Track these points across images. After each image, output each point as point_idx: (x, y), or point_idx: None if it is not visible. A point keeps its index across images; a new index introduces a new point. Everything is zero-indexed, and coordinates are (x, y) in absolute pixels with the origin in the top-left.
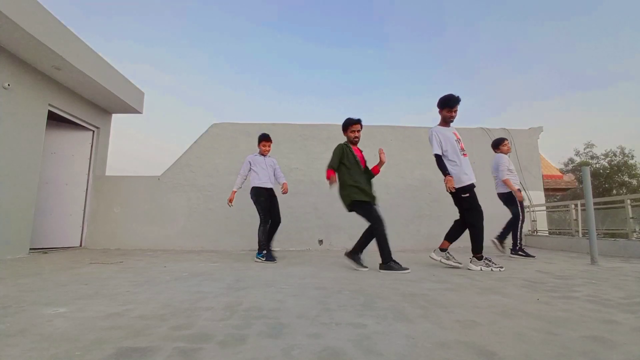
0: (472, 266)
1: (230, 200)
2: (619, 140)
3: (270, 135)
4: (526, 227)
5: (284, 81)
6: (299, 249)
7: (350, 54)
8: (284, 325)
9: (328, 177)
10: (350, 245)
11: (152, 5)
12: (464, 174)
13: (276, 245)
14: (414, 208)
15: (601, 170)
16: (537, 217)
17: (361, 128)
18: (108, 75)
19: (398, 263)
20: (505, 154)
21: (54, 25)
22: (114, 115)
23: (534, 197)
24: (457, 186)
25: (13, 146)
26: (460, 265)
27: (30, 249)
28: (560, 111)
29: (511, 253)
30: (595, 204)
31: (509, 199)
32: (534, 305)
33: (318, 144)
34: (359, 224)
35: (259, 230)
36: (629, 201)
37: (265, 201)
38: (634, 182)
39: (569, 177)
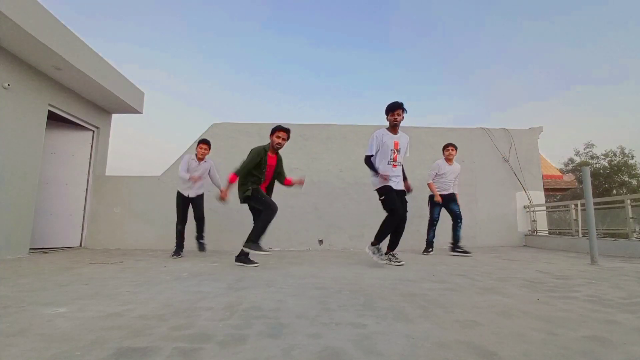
0: (366, 248)
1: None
2: (619, 141)
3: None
4: (526, 227)
5: (284, 81)
6: (299, 249)
7: (349, 54)
8: (284, 325)
9: (231, 181)
10: (350, 245)
11: (152, 6)
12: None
13: (276, 245)
14: (414, 208)
15: (601, 170)
16: (537, 217)
17: (288, 138)
18: (108, 75)
19: (251, 255)
20: (447, 158)
21: (54, 25)
22: (114, 115)
23: (534, 197)
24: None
25: (13, 146)
26: (401, 263)
27: (30, 249)
28: (560, 111)
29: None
30: (595, 204)
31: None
32: (534, 305)
33: (318, 144)
34: (359, 224)
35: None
36: (629, 201)
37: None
38: (634, 182)
39: (569, 177)
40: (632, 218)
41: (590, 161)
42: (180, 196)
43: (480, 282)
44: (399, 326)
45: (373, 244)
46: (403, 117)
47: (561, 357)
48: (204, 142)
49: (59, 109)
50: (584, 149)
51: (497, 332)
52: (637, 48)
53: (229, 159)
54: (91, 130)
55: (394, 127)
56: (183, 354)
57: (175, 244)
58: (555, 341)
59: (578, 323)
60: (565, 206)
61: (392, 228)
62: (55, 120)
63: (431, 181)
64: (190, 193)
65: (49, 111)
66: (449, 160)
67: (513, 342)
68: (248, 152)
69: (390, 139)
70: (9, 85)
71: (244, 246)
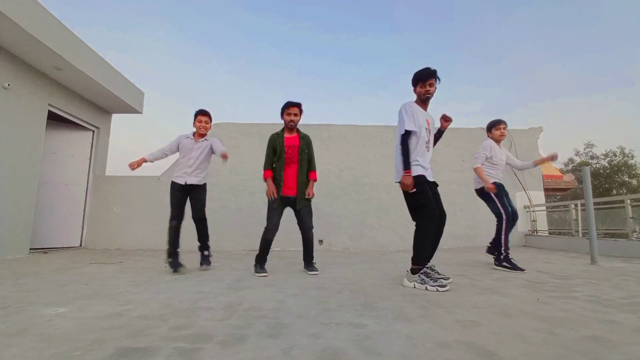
0: (405, 281)
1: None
2: (619, 141)
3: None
4: (526, 227)
5: (284, 81)
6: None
7: (357, 44)
8: (284, 325)
9: (266, 177)
10: (350, 245)
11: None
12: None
13: (276, 245)
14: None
15: (601, 170)
16: (537, 217)
17: (300, 112)
18: (108, 75)
19: (263, 268)
20: (497, 140)
21: (54, 25)
22: (114, 115)
23: (534, 197)
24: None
25: (13, 146)
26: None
27: (30, 249)
28: (560, 111)
29: (495, 263)
30: (595, 204)
31: (482, 194)
32: (534, 305)
33: (318, 144)
34: (359, 224)
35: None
36: (629, 201)
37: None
38: (634, 182)
39: (569, 177)
40: (632, 218)
41: (590, 161)
42: (174, 186)
43: (480, 282)
44: (399, 326)
45: (414, 270)
46: (436, 89)
47: (561, 357)
48: (204, 114)
49: (59, 109)
50: (584, 149)
51: (497, 332)
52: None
53: (229, 159)
54: (91, 130)
55: (424, 102)
56: (183, 354)
57: (167, 248)
58: (555, 341)
59: (578, 323)
60: (565, 206)
61: (432, 235)
62: (55, 120)
63: (479, 165)
64: (188, 180)
65: (49, 111)
66: (499, 142)
67: (513, 342)
68: (248, 152)
69: (422, 115)
70: (9, 85)
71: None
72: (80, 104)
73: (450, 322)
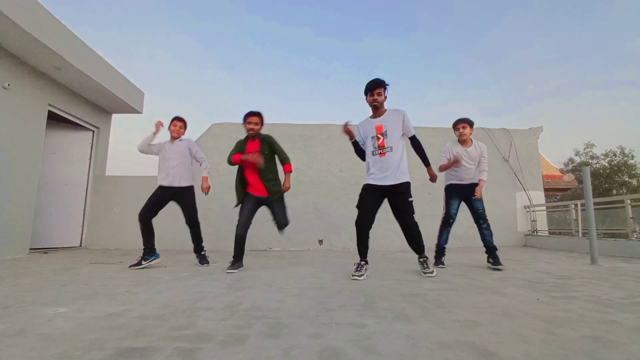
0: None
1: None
2: (619, 141)
3: (270, 136)
4: (526, 227)
5: (284, 81)
6: (299, 249)
7: (358, 47)
8: (284, 325)
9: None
10: (350, 245)
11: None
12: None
13: (276, 245)
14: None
15: (601, 170)
16: (537, 217)
17: (260, 121)
18: (108, 75)
19: (234, 264)
20: (459, 138)
21: (54, 25)
22: (114, 115)
23: (534, 197)
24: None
25: (13, 146)
26: (426, 273)
27: (30, 249)
28: (560, 111)
29: (489, 261)
30: (595, 204)
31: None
32: (534, 305)
33: (318, 144)
34: None
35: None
36: (629, 201)
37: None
38: (634, 182)
39: (569, 177)
40: (632, 218)
41: (590, 161)
42: (158, 187)
43: (480, 282)
44: (399, 326)
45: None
46: (385, 97)
47: (561, 357)
48: (178, 119)
49: (59, 109)
50: (584, 149)
51: (497, 332)
52: None
53: (226, 161)
54: (91, 130)
55: (376, 109)
56: (183, 354)
57: (143, 249)
58: (555, 341)
59: (578, 323)
60: (565, 206)
61: (357, 231)
62: (55, 120)
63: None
64: (171, 181)
65: (49, 111)
66: (463, 142)
67: (513, 342)
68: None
69: (370, 125)
70: (9, 85)
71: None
72: (80, 104)
73: (450, 322)
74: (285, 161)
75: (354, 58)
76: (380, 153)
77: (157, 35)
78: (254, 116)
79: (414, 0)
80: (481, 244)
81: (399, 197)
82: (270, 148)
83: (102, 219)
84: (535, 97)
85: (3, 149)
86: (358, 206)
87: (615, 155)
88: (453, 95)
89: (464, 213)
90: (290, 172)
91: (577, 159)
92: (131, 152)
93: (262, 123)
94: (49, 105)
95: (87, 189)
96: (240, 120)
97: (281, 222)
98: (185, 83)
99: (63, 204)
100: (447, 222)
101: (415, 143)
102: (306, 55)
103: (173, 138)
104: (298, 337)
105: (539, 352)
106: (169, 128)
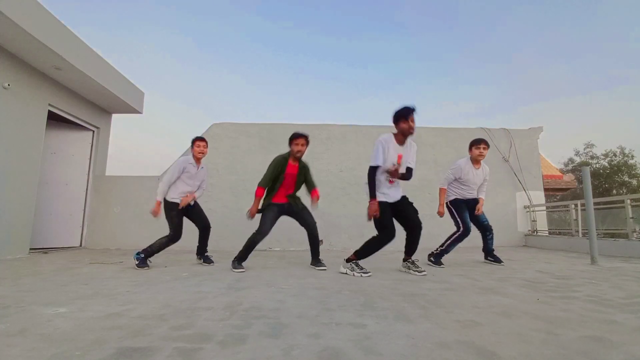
0: (341, 267)
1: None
2: (619, 141)
3: (271, 136)
4: (526, 227)
5: (284, 80)
6: (299, 249)
7: (357, 46)
8: (284, 325)
9: (258, 196)
10: (350, 245)
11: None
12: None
13: (276, 245)
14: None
15: (601, 170)
16: (537, 217)
17: (307, 144)
18: (108, 75)
19: (241, 264)
20: (475, 159)
21: (54, 25)
22: (113, 116)
23: (534, 197)
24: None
25: (13, 146)
26: (422, 272)
27: (30, 249)
28: (560, 111)
29: (488, 258)
30: (595, 204)
31: (448, 208)
32: (534, 305)
33: (318, 144)
34: (359, 224)
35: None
36: (629, 201)
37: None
38: (634, 182)
39: (569, 177)
40: (632, 218)
41: (590, 161)
42: (174, 206)
43: (480, 282)
44: (399, 326)
45: (349, 259)
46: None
47: (561, 357)
48: (202, 140)
49: (59, 109)
50: (584, 149)
51: (497, 332)
52: None
53: (229, 159)
54: (91, 130)
55: (405, 136)
56: (183, 354)
57: (146, 250)
58: (555, 341)
59: (578, 323)
60: (565, 206)
61: (381, 247)
62: (55, 120)
63: (445, 186)
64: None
65: (49, 111)
66: (476, 162)
67: (513, 342)
68: (248, 152)
69: (395, 150)
70: (9, 85)
71: (232, 261)
72: (80, 104)
73: (450, 322)
74: (314, 187)
75: (353, 58)
76: (390, 180)
77: (157, 35)
78: (302, 138)
79: (414, 1)
80: (480, 244)
81: (405, 201)
82: (305, 175)
83: (102, 219)
84: (535, 97)
85: (3, 149)
86: (388, 223)
87: (615, 155)
88: (453, 96)
89: None
90: (318, 198)
91: (577, 159)
92: (131, 153)
93: (307, 145)
94: (49, 105)
95: (87, 189)
96: (240, 120)
97: (311, 223)
98: (184, 83)
99: (63, 204)
100: (465, 235)
101: (409, 173)
102: (307, 56)
103: (197, 159)
104: (298, 337)
105: (539, 352)
106: (193, 149)
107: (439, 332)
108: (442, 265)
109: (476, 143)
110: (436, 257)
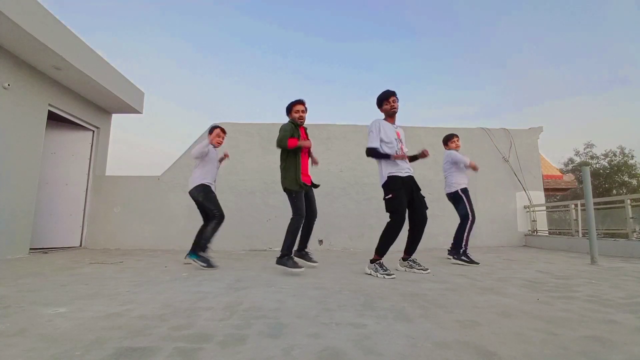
0: (366, 268)
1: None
2: (619, 141)
3: (271, 135)
4: (526, 227)
5: (284, 80)
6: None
7: (356, 49)
8: (284, 325)
9: (295, 144)
10: (350, 245)
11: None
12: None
13: (276, 245)
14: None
15: (601, 170)
16: (537, 217)
17: (306, 110)
18: (108, 75)
19: (293, 260)
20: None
21: (54, 25)
22: (113, 115)
23: (534, 197)
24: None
25: (13, 146)
26: (427, 270)
27: (30, 249)
28: (560, 111)
29: (454, 258)
30: (595, 204)
31: (456, 198)
32: (534, 305)
33: (318, 144)
34: (359, 224)
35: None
36: (629, 201)
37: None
38: (634, 182)
39: (569, 177)
40: (632, 218)
41: (590, 161)
42: (209, 188)
43: (480, 282)
44: (399, 326)
45: (373, 260)
46: (398, 106)
47: (561, 357)
48: (224, 131)
49: (59, 109)
50: (584, 149)
51: (497, 332)
52: None
53: (229, 159)
54: (91, 130)
55: (391, 117)
56: (183, 354)
57: (198, 246)
58: (555, 341)
59: (578, 323)
60: (565, 206)
61: (396, 235)
62: (55, 120)
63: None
64: (214, 186)
65: (49, 111)
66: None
67: (513, 342)
68: (247, 152)
69: (390, 128)
70: (9, 85)
71: (277, 263)
72: (80, 104)
73: (450, 322)
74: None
75: (353, 60)
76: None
77: (158, 35)
78: (301, 104)
79: (414, 2)
80: (481, 244)
81: (418, 192)
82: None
83: (102, 219)
84: (535, 97)
85: (3, 149)
86: (400, 207)
87: (615, 155)
88: (453, 96)
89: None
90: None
91: (577, 159)
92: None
93: (307, 112)
94: (49, 105)
95: (87, 189)
96: (244, 121)
97: (316, 211)
98: (185, 83)
99: (63, 204)
100: (474, 222)
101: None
102: (306, 56)
103: (217, 144)
104: (298, 337)
105: (539, 352)
106: (213, 138)
107: (439, 332)
108: (476, 263)
109: (451, 137)
110: (466, 255)
